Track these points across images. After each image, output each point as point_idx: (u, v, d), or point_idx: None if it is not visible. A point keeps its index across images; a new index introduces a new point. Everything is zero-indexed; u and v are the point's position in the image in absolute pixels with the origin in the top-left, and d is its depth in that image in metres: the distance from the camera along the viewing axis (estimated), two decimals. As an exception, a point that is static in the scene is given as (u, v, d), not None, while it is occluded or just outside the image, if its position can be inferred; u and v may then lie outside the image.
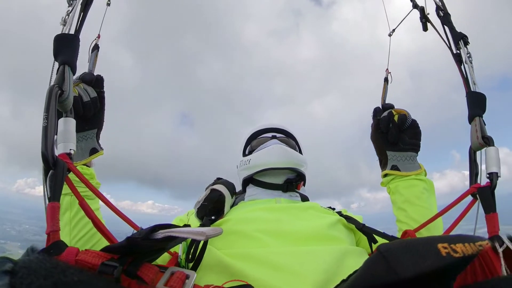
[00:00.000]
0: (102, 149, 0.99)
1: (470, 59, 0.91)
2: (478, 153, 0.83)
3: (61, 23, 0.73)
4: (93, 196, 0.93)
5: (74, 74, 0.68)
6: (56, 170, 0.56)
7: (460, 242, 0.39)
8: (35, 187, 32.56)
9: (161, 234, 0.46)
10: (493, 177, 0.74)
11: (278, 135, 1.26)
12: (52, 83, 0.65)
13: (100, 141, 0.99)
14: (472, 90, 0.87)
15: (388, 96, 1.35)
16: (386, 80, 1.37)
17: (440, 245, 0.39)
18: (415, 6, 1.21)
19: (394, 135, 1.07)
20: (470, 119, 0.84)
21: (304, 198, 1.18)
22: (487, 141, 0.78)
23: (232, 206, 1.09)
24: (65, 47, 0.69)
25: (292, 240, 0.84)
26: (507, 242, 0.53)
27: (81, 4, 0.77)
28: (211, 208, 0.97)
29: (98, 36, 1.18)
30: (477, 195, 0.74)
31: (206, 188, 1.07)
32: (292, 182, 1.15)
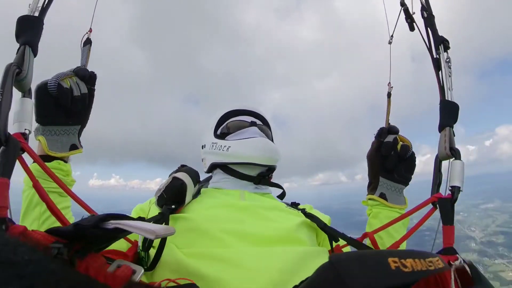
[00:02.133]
0: (82, 147, 0.98)
1: (449, 64, 0.89)
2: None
3: (28, 9, 0.73)
4: (65, 194, 0.88)
5: (35, 55, 0.68)
6: (7, 147, 0.56)
7: (411, 258, 0.40)
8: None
9: (111, 224, 0.44)
10: (455, 190, 0.75)
11: (257, 121, 1.20)
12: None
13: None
14: (446, 98, 0.85)
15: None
16: (389, 95, 1.29)
17: (390, 259, 0.39)
18: (402, 4, 1.18)
19: (393, 163, 1.06)
20: (440, 129, 0.83)
21: (275, 186, 1.18)
22: (454, 153, 0.78)
23: (195, 195, 1.06)
24: (28, 28, 0.69)
25: (255, 241, 0.83)
26: (461, 258, 0.55)
27: None
28: (171, 197, 0.94)
29: (90, 30, 1.15)
30: (437, 205, 0.76)
31: (170, 175, 1.03)
32: (265, 176, 1.13)
